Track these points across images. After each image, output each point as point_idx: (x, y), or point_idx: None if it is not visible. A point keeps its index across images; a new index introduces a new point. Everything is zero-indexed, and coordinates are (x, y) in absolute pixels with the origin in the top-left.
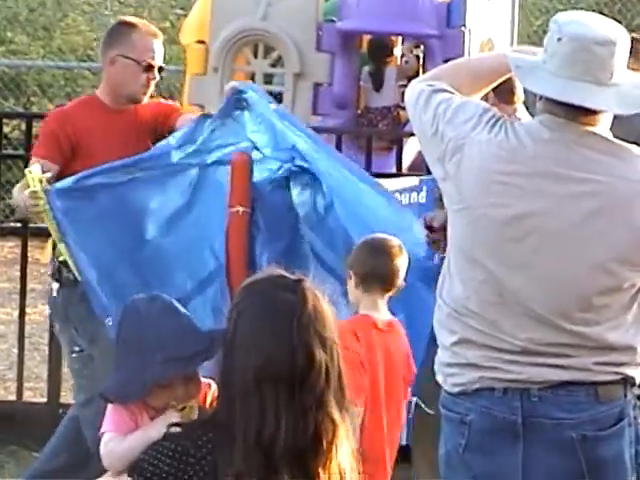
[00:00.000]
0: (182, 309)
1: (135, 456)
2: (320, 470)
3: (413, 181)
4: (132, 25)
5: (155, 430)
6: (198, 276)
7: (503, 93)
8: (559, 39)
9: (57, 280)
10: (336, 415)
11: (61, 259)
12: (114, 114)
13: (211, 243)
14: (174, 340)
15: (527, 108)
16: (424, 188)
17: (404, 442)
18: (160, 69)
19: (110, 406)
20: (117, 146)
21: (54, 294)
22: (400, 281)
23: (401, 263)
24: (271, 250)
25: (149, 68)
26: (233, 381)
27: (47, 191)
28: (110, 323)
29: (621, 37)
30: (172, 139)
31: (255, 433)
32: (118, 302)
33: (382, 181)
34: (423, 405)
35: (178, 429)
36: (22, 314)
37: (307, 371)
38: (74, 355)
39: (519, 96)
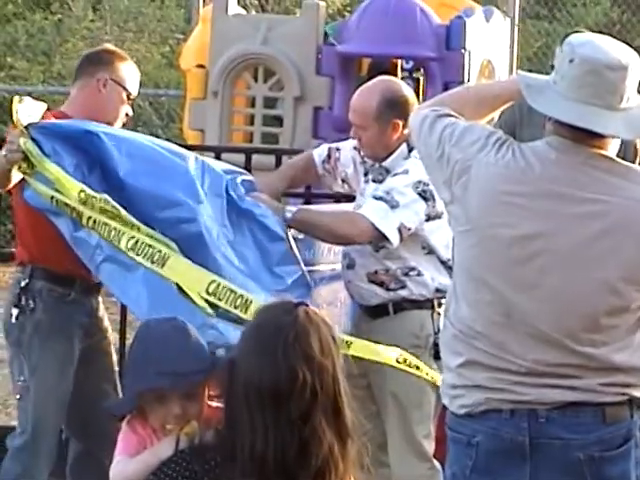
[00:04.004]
0: (195, 333)
1: (145, 476)
2: None
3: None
4: (121, 55)
5: (163, 449)
6: None
7: None
8: (571, 60)
9: (16, 306)
10: (326, 433)
11: (22, 284)
12: None
13: None
14: (171, 357)
15: None
16: None
17: None
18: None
19: (121, 433)
20: None
21: (12, 320)
22: None
23: None
24: None
25: (129, 100)
26: (231, 401)
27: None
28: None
29: (633, 62)
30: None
31: (249, 451)
32: None
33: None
34: None
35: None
36: None
37: (290, 390)
38: (19, 383)
39: None
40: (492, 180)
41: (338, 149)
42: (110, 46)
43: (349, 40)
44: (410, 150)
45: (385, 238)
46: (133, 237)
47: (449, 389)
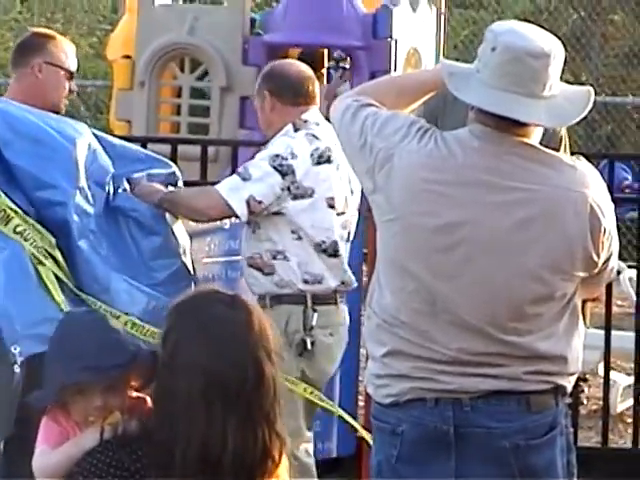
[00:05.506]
0: (116, 326)
1: (67, 468)
2: None
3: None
4: (50, 35)
5: (87, 440)
6: None
7: None
8: (493, 48)
9: None
10: (281, 429)
11: None
12: None
13: None
14: (92, 351)
15: None
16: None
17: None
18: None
19: (42, 422)
20: None
21: None
22: None
23: None
24: None
25: (71, 77)
26: (175, 400)
27: None
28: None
29: (556, 49)
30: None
31: (198, 451)
32: None
33: None
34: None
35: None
36: None
37: (257, 386)
38: None
39: None
40: (414, 168)
41: None
42: (38, 29)
43: (275, 30)
44: (296, 130)
45: (232, 211)
46: (20, 225)
47: (374, 378)
